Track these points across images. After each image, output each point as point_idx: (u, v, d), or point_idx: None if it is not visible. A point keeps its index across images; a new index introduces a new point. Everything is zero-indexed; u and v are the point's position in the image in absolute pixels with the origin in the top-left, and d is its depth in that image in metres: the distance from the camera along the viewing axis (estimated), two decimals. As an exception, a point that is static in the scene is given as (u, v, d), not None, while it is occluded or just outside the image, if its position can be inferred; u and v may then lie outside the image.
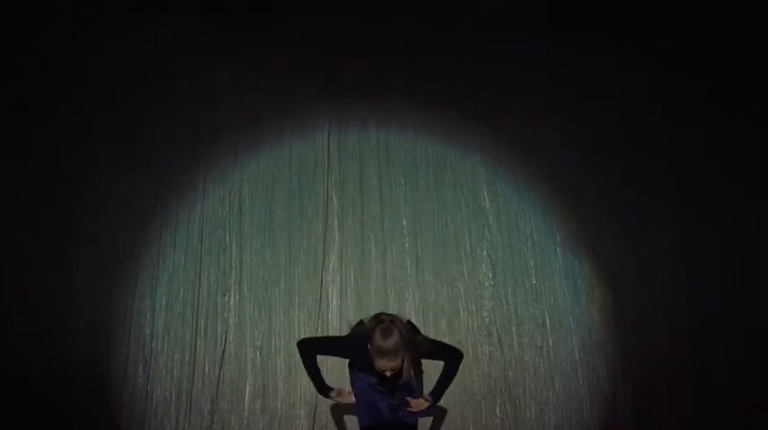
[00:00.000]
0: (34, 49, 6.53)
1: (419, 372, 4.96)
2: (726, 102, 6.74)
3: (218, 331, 6.17)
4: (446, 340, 5.94)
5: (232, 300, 6.25)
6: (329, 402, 6.01)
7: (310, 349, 5.01)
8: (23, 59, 6.50)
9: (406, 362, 4.62)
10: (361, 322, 4.97)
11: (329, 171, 6.55)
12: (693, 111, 6.76)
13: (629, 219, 6.58)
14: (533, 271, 6.40)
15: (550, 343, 6.28)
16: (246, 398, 6.07)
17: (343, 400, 5.12)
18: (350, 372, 5.09)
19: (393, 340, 4.57)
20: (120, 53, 6.61)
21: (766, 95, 6.72)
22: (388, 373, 4.64)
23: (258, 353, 6.12)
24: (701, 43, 6.82)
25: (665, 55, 6.81)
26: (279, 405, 6.05)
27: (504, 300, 6.34)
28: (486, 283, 6.37)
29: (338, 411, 5.99)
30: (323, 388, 5.06)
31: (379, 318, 4.71)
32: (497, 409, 6.13)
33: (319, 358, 5.05)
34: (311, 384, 5.73)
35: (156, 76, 6.62)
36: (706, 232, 6.56)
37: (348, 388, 5.09)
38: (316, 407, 6.04)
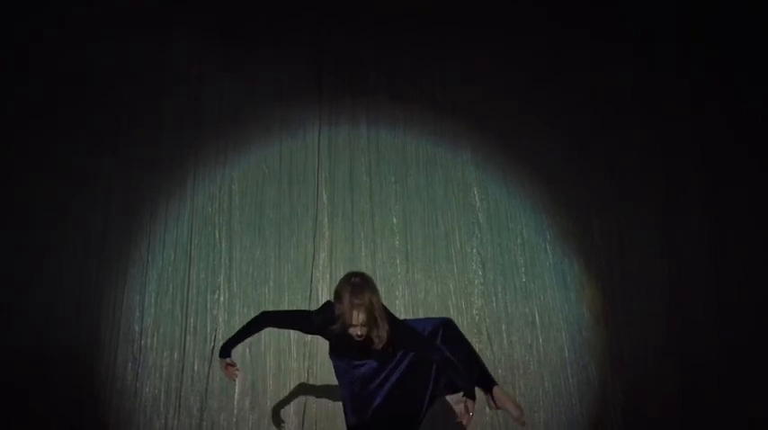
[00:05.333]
0: (27, 50, 6.55)
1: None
2: (715, 102, 6.77)
3: (208, 329, 6.16)
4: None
5: (222, 298, 6.25)
6: (319, 400, 6.05)
7: (267, 318, 4.91)
8: (17, 59, 6.51)
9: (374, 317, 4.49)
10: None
11: (319, 168, 6.54)
12: (681, 112, 6.79)
13: (618, 217, 6.61)
14: (523, 269, 6.41)
15: (540, 340, 6.29)
16: (236, 395, 6.06)
17: (226, 373, 4.79)
18: (332, 360, 4.87)
19: (363, 279, 4.55)
20: (112, 52, 6.62)
21: (755, 96, 6.74)
22: (358, 329, 4.46)
23: (248, 350, 6.10)
24: (688, 42, 6.84)
25: (652, 54, 6.84)
26: (268, 402, 6.04)
27: (493, 298, 6.35)
28: (476, 281, 6.38)
29: (328, 408, 6.01)
30: (226, 349, 4.76)
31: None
32: (486, 408, 6.10)
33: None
34: (300, 383, 5.77)
35: (147, 74, 6.63)
36: (692, 230, 6.61)
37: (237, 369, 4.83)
38: (305, 404, 6.04)
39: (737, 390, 6.20)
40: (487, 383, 4.88)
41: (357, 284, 4.50)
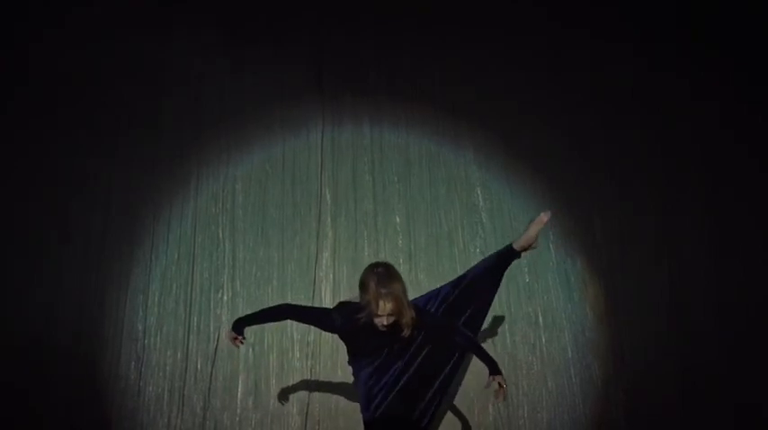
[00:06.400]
0: (27, 50, 6.53)
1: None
2: (715, 102, 6.80)
3: (211, 328, 6.13)
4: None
5: (225, 297, 6.22)
6: (322, 399, 6.03)
7: (287, 309, 4.91)
8: (17, 59, 6.49)
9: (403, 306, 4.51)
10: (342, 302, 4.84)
11: (322, 168, 6.53)
12: (681, 112, 6.81)
13: (619, 216, 6.62)
14: (526, 268, 6.39)
15: (543, 340, 6.28)
16: (239, 395, 6.03)
17: (231, 342, 4.74)
18: (351, 363, 4.86)
19: (387, 268, 4.59)
20: (112, 52, 6.61)
21: (755, 96, 6.77)
22: (385, 319, 4.47)
23: (251, 350, 6.08)
24: (688, 42, 6.87)
25: (652, 54, 6.86)
26: (271, 402, 6.01)
27: (496, 298, 6.19)
28: (480, 281, 6.37)
29: (331, 408, 5.99)
30: (239, 326, 4.72)
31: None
32: (490, 407, 6.12)
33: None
34: (303, 382, 5.74)
35: (147, 74, 6.62)
36: (692, 230, 6.62)
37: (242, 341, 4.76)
38: (308, 404, 6.02)
39: (737, 390, 6.21)
40: (509, 250, 4.97)
41: (382, 274, 4.52)
